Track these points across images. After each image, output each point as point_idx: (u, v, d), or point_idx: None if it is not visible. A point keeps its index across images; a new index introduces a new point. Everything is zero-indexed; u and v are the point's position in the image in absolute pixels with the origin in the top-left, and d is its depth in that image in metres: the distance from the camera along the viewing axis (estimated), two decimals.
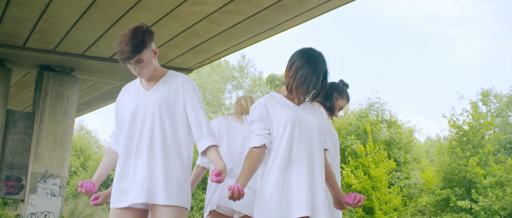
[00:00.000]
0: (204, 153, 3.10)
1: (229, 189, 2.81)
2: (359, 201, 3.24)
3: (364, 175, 17.10)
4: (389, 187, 17.72)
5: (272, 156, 3.02)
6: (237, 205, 3.72)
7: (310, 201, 2.93)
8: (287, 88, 3.10)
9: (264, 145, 3.00)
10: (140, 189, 3.00)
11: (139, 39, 3.02)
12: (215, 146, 3.09)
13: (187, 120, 3.14)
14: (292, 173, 2.99)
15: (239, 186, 2.84)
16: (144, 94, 3.14)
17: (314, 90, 3.04)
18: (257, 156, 2.98)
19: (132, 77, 3.24)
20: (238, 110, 4.20)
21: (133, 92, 3.20)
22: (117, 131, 3.26)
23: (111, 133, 3.32)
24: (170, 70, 3.27)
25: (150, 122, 3.08)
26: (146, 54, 3.06)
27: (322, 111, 3.30)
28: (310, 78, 3.00)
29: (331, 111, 4.03)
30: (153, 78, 3.18)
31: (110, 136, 3.33)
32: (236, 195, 2.81)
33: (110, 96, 16.98)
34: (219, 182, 2.93)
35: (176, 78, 3.18)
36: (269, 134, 3.03)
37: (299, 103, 3.12)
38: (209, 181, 3.67)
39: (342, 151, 18.62)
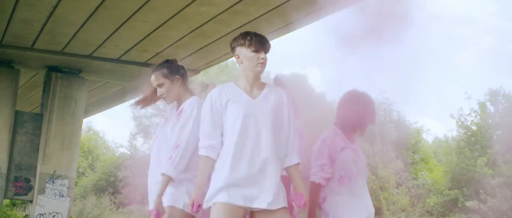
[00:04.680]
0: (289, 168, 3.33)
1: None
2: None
3: (372, 175, 17.05)
4: (397, 188, 17.66)
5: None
6: None
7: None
8: None
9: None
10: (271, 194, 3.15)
11: None
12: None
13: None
14: None
15: None
16: (253, 101, 3.43)
17: None
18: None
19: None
20: None
21: (237, 96, 3.41)
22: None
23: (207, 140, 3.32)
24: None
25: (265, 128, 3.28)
26: None
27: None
28: None
29: None
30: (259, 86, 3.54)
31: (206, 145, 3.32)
32: None
33: (117, 97, 16.99)
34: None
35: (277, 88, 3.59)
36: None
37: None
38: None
39: None
